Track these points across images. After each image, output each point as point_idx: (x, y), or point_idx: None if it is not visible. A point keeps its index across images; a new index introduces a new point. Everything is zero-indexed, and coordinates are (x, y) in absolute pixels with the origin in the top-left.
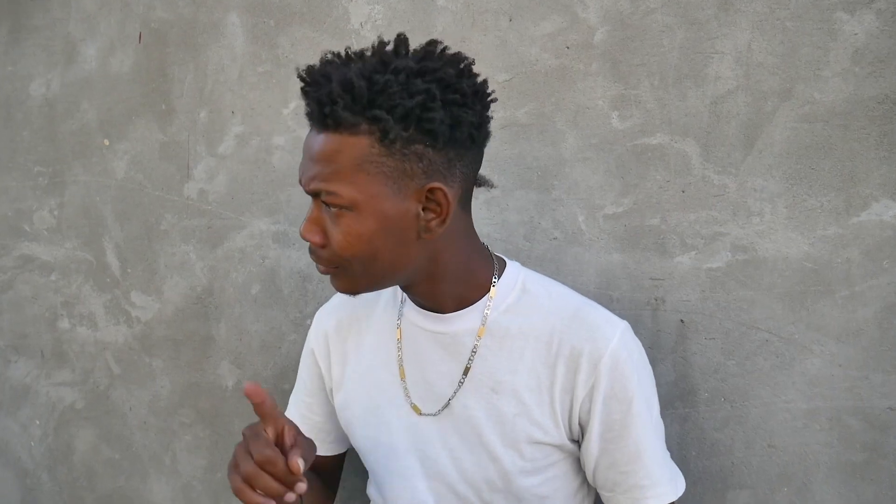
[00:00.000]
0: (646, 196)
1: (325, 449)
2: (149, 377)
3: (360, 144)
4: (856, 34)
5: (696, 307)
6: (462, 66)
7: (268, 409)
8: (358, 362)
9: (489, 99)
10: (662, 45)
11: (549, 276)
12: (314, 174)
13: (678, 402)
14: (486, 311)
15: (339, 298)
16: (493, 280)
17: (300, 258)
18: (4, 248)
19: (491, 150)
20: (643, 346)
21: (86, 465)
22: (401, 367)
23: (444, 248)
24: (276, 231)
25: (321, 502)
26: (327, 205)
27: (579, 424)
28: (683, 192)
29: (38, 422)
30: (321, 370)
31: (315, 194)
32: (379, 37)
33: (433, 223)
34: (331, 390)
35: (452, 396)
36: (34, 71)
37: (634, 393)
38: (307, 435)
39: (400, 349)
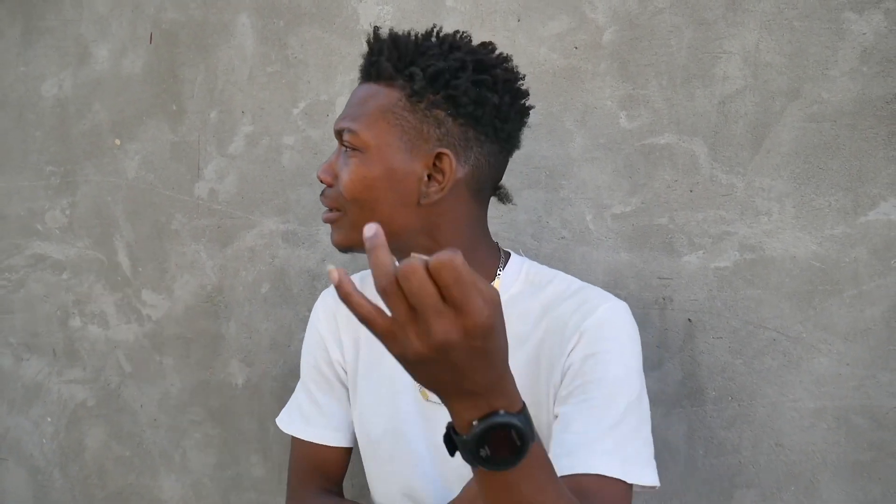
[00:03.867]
0: (654, 195)
1: (338, 439)
2: (159, 375)
3: (390, 95)
4: (864, 34)
5: (703, 306)
6: (503, 60)
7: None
8: (370, 350)
9: (523, 101)
10: (670, 45)
11: None
12: (345, 115)
13: (686, 401)
14: None
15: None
16: (498, 271)
17: (309, 257)
18: (17, 247)
19: None
20: (651, 344)
21: (97, 463)
22: None
23: (445, 227)
24: (286, 230)
25: None
26: (345, 147)
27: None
28: (691, 191)
29: (49, 419)
30: (329, 354)
31: (339, 133)
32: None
33: (432, 189)
34: (345, 374)
35: None
36: (46, 71)
37: (614, 356)
38: (319, 426)
39: None
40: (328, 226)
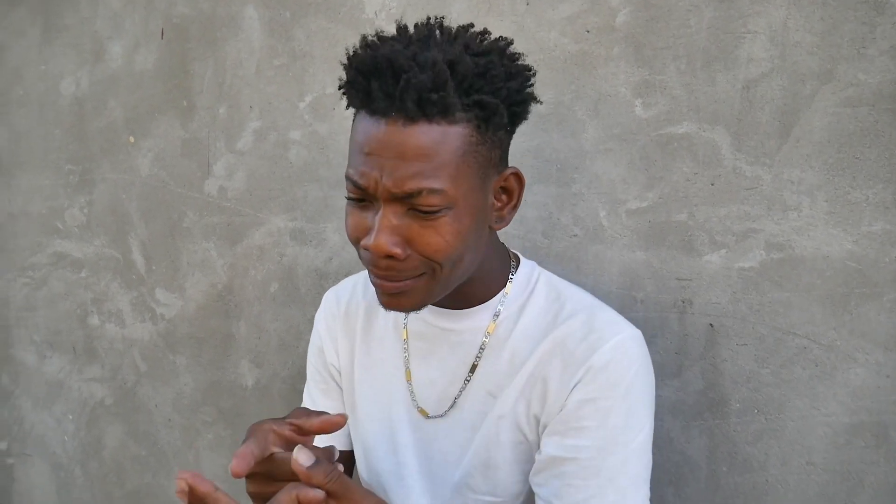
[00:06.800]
0: (672, 190)
1: (346, 442)
2: (173, 374)
3: (461, 134)
4: None
5: (726, 310)
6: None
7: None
8: (366, 355)
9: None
10: (689, 26)
11: (570, 276)
12: (412, 172)
13: (707, 413)
14: (498, 310)
15: (351, 283)
16: (510, 276)
17: (317, 256)
18: (39, 245)
19: None
20: (670, 351)
21: (115, 461)
22: (407, 368)
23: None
24: (294, 228)
25: None
26: (421, 209)
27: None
28: (713, 185)
29: (71, 416)
30: (326, 356)
31: (410, 196)
32: (418, 22)
33: (506, 210)
34: (339, 376)
35: (458, 396)
36: (65, 70)
37: (615, 402)
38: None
39: (406, 348)
40: (334, 223)
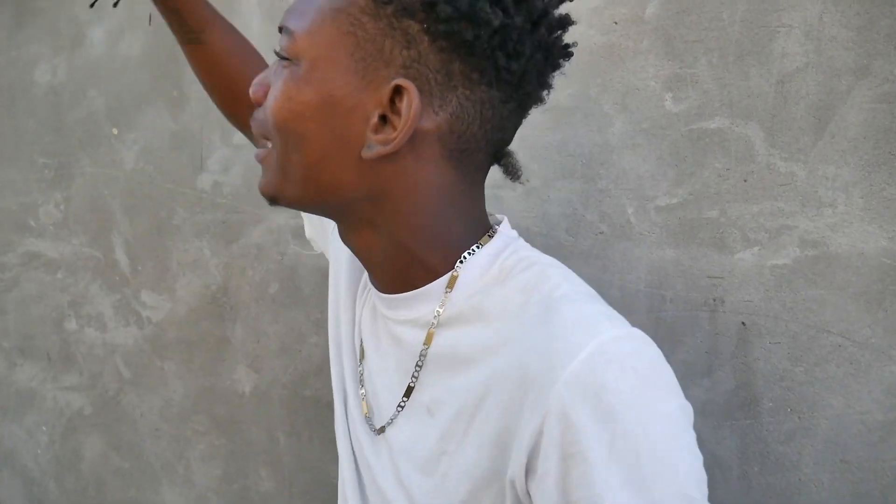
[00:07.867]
0: (703, 186)
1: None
2: (161, 381)
3: None
4: None
5: (759, 308)
6: None
7: None
8: (337, 319)
9: (555, 34)
10: (722, 19)
11: (596, 274)
12: (292, 7)
13: (738, 412)
14: (442, 302)
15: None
16: (462, 259)
17: (321, 255)
18: (9, 244)
19: (531, 136)
20: (700, 350)
21: (94, 474)
22: (361, 347)
23: (398, 196)
24: (296, 226)
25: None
26: (280, 55)
27: (525, 486)
28: (745, 181)
29: (44, 428)
30: (340, 261)
31: (280, 30)
32: None
33: (377, 139)
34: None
35: (398, 412)
36: (39, 56)
37: (599, 451)
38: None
39: (359, 329)
40: None
